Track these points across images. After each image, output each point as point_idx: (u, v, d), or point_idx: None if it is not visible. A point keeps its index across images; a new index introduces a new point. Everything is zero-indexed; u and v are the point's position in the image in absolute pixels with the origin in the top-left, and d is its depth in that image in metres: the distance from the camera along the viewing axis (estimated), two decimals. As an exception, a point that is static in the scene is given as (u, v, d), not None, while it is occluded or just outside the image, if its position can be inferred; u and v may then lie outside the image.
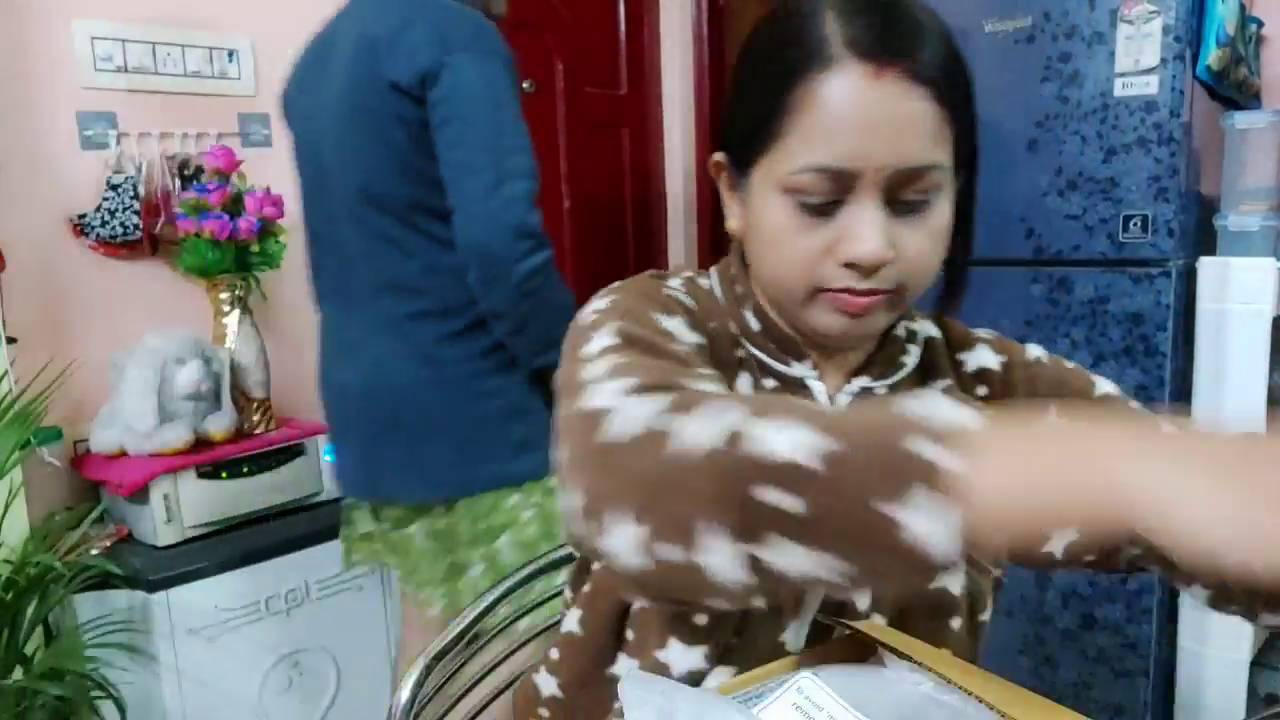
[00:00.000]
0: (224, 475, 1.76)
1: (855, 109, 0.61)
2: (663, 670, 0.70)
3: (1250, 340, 1.74)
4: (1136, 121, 1.77)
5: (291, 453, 1.86)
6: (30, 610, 1.50)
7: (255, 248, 1.84)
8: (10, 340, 1.66)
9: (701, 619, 0.68)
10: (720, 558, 0.46)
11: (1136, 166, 1.78)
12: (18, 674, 1.47)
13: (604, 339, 0.61)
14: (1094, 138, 1.81)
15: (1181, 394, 1.83)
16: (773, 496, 0.45)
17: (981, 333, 0.80)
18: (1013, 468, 0.43)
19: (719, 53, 2.97)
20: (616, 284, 0.71)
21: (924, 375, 0.75)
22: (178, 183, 1.89)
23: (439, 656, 0.91)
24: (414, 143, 1.29)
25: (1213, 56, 1.77)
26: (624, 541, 0.48)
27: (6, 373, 1.59)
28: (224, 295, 1.89)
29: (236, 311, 1.90)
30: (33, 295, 1.78)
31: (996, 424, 0.45)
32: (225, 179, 1.84)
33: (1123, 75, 1.77)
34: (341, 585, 1.81)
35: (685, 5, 2.94)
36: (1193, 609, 1.86)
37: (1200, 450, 0.42)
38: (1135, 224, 1.79)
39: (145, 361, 1.71)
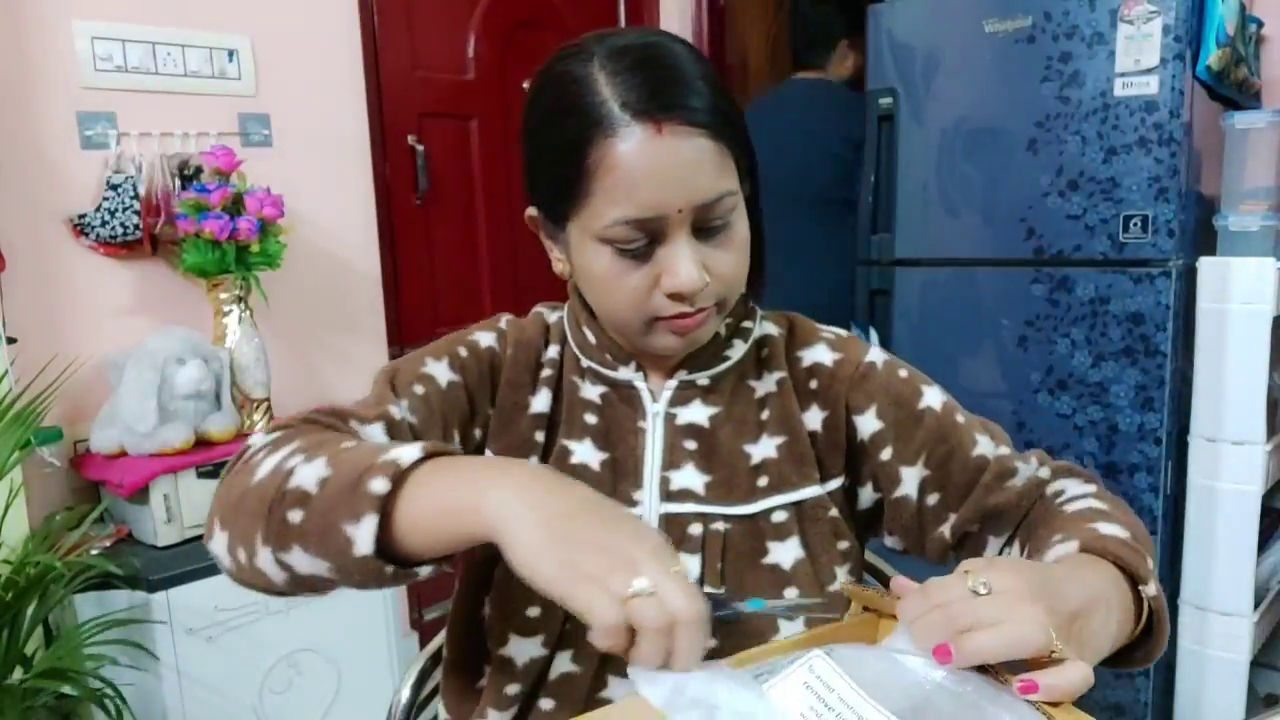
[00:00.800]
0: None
1: (646, 164, 0.68)
2: (510, 664, 0.76)
3: (1250, 340, 1.74)
4: (1137, 121, 1.77)
5: (291, 453, 1.86)
6: (30, 610, 1.50)
7: (255, 248, 1.84)
8: (10, 340, 1.66)
9: (533, 611, 0.76)
10: (266, 561, 0.63)
11: (1137, 166, 1.78)
12: (18, 674, 1.47)
13: (372, 388, 0.79)
14: (1094, 138, 1.81)
15: (1181, 394, 1.83)
16: (290, 514, 0.61)
17: (831, 332, 0.86)
18: (425, 495, 0.59)
19: (719, 53, 2.97)
20: (444, 337, 0.84)
21: (759, 368, 0.83)
22: (178, 183, 1.89)
23: (438, 656, 0.91)
24: None
25: (1213, 56, 1.77)
26: (218, 545, 0.66)
27: (6, 373, 1.59)
28: (224, 295, 1.89)
29: (236, 311, 1.90)
30: (33, 295, 1.78)
31: (437, 464, 0.60)
32: (225, 179, 1.84)
33: (1123, 75, 1.77)
34: (341, 585, 1.81)
35: (685, 5, 2.94)
36: (1193, 609, 1.86)
37: (539, 491, 0.57)
38: (1135, 224, 1.79)
39: (145, 361, 1.71)
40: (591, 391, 0.82)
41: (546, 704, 0.75)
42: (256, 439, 0.71)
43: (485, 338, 0.84)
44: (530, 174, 0.76)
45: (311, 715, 1.79)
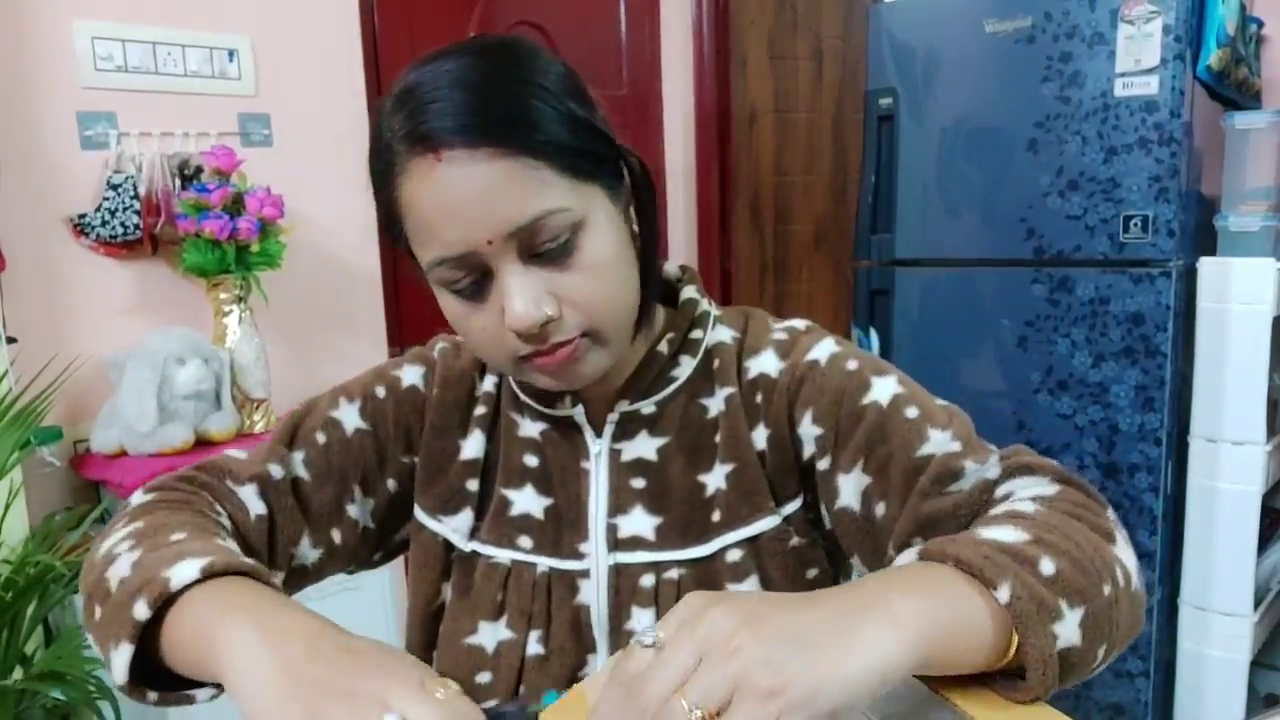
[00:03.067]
0: (224, 475, 1.76)
1: (435, 199, 0.60)
2: (480, 651, 0.73)
3: (1250, 340, 1.74)
4: (1137, 122, 1.77)
5: (291, 453, 1.86)
6: (30, 610, 1.50)
7: (255, 248, 1.84)
8: (10, 340, 1.66)
9: (484, 676, 0.72)
10: (90, 639, 0.62)
11: (1137, 167, 1.78)
12: (17, 674, 1.47)
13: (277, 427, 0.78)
14: (1094, 138, 1.81)
15: (1181, 394, 1.83)
16: (95, 608, 0.60)
17: (784, 330, 0.76)
18: (179, 627, 0.56)
19: (720, 52, 2.97)
20: (379, 363, 0.82)
21: (711, 383, 0.74)
22: (178, 183, 1.89)
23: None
24: None
25: (1213, 57, 1.77)
26: (86, 624, 0.63)
27: (6, 373, 1.58)
28: (224, 295, 1.89)
29: (236, 311, 1.90)
30: (33, 295, 1.78)
31: (212, 589, 0.57)
32: (225, 179, 1.84)
33: (1123, 75, 1.77)
34: (341, 585, 1.80)
35: (686, 5, 2.94)
36: (1193, 609, 1.86)
37: (281, 634, 0.53)
38: (1136, 224, 1.79)
39: (145, 361, 1.71)
40: (531, 429, 0.75)
41: None
42: (134, 498, 0.70)
43: (411, 374, 0.78)
44: (380, 220, 0.69)
45: (311, 715, 1.79)
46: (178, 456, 1.70)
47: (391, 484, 0.77)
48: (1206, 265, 1.78)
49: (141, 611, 0.56)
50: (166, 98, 1.93)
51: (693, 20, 2.95)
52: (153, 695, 0.59)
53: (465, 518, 0.75)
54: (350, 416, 0.76)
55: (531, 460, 0.75)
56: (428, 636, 0.77)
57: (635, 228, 0.69)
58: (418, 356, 0.80)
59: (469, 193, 0.59)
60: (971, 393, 1.97)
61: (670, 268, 0.79)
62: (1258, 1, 2.19)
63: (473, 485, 0.75)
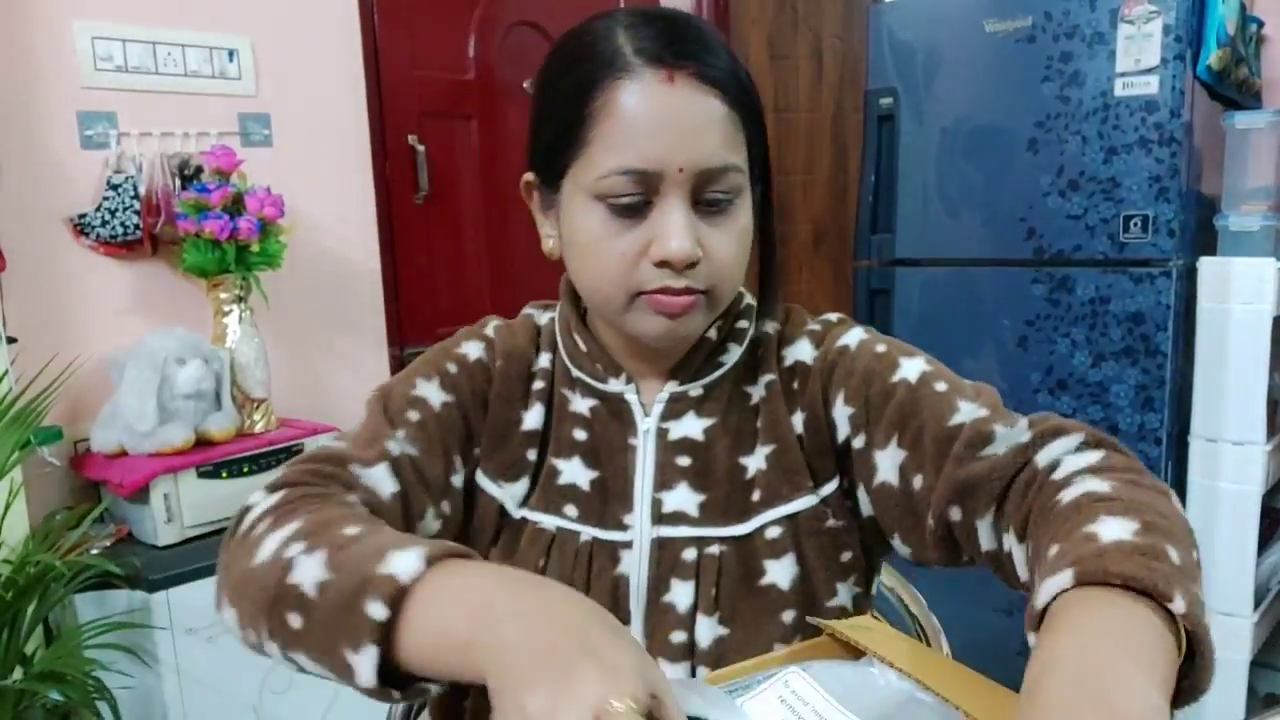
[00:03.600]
0: (224, 475, 1.76)
1: (651, 112, 0.65)
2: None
3: (1250, 340, 1.74)
4: (1137, 121, 1.77)
5: (291, 452, 1.86)
6: (30, 610, 1.50)
7: (255, 248, 1.84)
8: (10, 340, 1.65)
9: (541, 561, 0.74)
10: (274, 653, 0.60)
11: (1137, 166, 1.78)
12: (17, 674, 1.47)
13: (362, 420, 0.76)
14: (1094, 138, 1.81)
15: (1181, 394, 1.83)
16: (291, 619, 0.57)
17: (819, 322, 0.80)
18: (424, 624, 0.53)
19: (719, 52, 2.97)
20: (433, 347, 0.81)
21: (754, 372, 0.78)
22: (178, 183, 1.89)
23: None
24: None
25: (1213, 56, 1.77)
26: (229, 619, 0.63)
27: (6, 373, 1.58)
28: (224, 295, 1.89)
29: (236, 311, 1.90)
30: (33, 295, 1.78)
31: (441, 576, 0.54)
32: (225, 179, 1.84)
33: (1123, 75, 1.77)
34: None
35: (686, 5, 2.94)
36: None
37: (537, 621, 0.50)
38: (1136, 224, 1.79)
39: (145, 361, 1.71)
40: (581, 405, 0.78)
41: None
42: (257, 499, 0.67)
43: (473, 349, 0.80)
44: (533, 130, 0.73)
45: (311, 715, 1.79)
46: (178, 456, 1.71)
47: (477, 451, 0.79)
48: (1206, 265, 1.78)
49: (379, 612, 0.53)
50: (166, 98, 1.93)
51: (693, 20, 2.95)
52: (397, 694, 0.56)
53: (522, 485, 0.78)
54: (433, 392, 0.77)
55: (581, 434, 0.77)
56: None
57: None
58: (472, 334, 0.82)
59: (684, 118, 0.65)
60: (971, 393, 1.97)
61: None
62: (1258, 1, 2.19)
63: (531, 455, 0.78)
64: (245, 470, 1.78)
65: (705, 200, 0.67)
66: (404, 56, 2.34)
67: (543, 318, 0.83)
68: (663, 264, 0.67)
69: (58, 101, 1.80)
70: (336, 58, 2.19)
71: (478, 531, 0.78)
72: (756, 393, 0.77)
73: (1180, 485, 1.85)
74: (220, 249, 1.80)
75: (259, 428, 1.90)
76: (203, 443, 1.77)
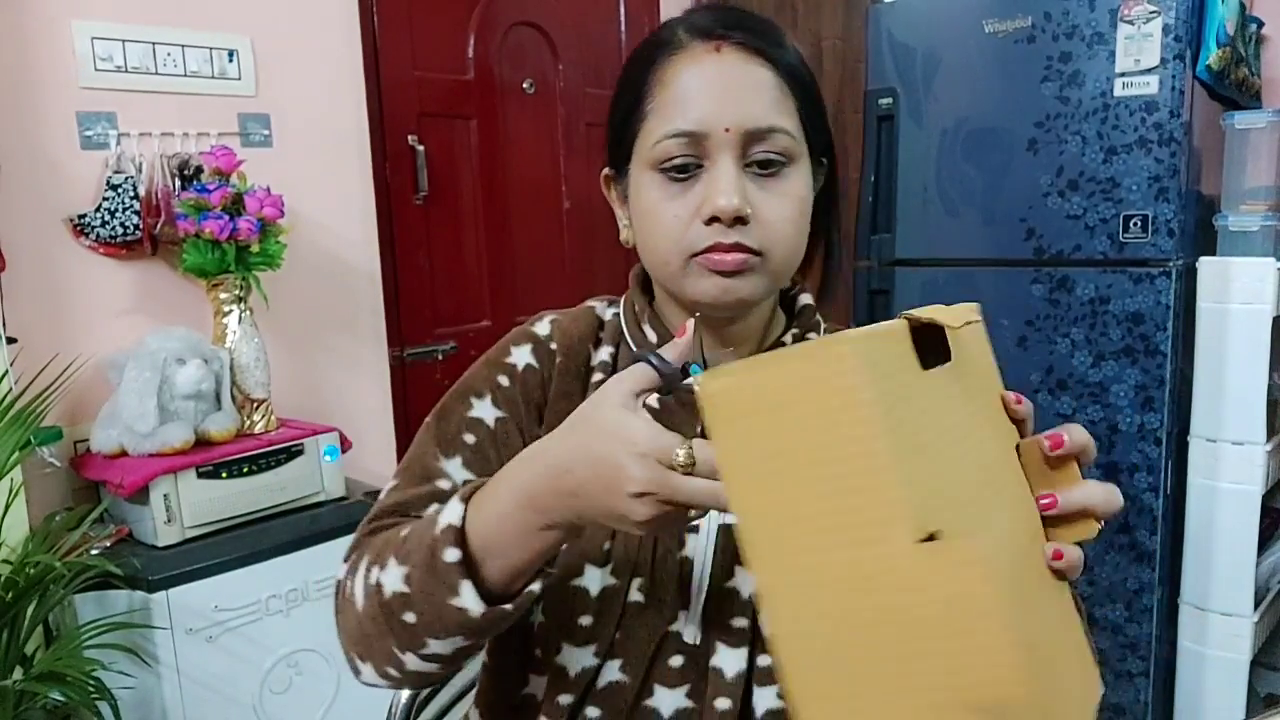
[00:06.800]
0: (224, 475, 1.76)
1: (699, 79, 0.70)
2: (562, 673, 0.75)
3: (1250, 340, 1.74)
4: (1137, 121, 1.77)
5: (291, 453, 1.86)
6: (30, 610, 1.50)
7: (255, 248, 1.84)
8: (10, 340, 1.65)
9: (585, 619, 0.74)
10: (415, 663, 0.66)
11: (1137, 166, 1.78)
12: (17, 674, 1.47)
13: (416, 444, 0.79)
14: (1094, 138, 1.81)
15: (1181, 394, 1.83)
16: (405, 617, 0.64)
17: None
18: (489, 531, 0.61)
19: (719, 53, 2.97)
20: (475, 363, 0.83)
21: None
22: (178, 183, 1.89)
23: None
24: None
25: (1213, 56, 1.77)
26: (369, 675, 0.69)
27: (6, 373, 1.58)
28: (224, 295, 1.89)
29: (236, 311, 1.90)
30: (33, 295, 1.78)
31: (478, 500, 0.63)
32: (225, 179, 1.84)
33: (1123, 75, 1.77)
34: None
35: (686, 5, 2.94)
36: (1193, 609, 1.86)
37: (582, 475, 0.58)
38: (1135, 224, 1.79)
39: (145, 361, 1.71)
40: (649, 398, 0.78)
41: (593, 712, 0.74)
42: (340, 572, 0.73)
43: (521, 354, 0.80)
44: (609, 125, 0.78)
45: (311, 715, 1.79)
46: (178, 456, 1.70)
47: None
48: (1206, 265, 1.78)
49: (452, 555, 0.61)
50: (166, 98, 1.93)
51: (692, 20, 2.95)
52: (508, 606, 0.62)
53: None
54: (486, 411, 0.78)
55: None
56: None
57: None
58: (522, 335, 0.82)
59: (729, 81, 0.69)
60: (971, 393, 1.97)
61: None
62: (1258, 1, 2.19)
63: None
64: (245, 470, 1.78)
65: (756, 161, 0.70)
66: (403, 57, 2.34)
67: (607, 312, 0.84)
68: (712, 220, 0.69)
69: (57, 102, 1.80)
70: (336, 58, 2.19)
71: None
72: None
73: (1180, 485, 1.85)
74: (220, 249, 1.80)
75: (259, 428, 1.90)
76: (203, 443, 1.77)
